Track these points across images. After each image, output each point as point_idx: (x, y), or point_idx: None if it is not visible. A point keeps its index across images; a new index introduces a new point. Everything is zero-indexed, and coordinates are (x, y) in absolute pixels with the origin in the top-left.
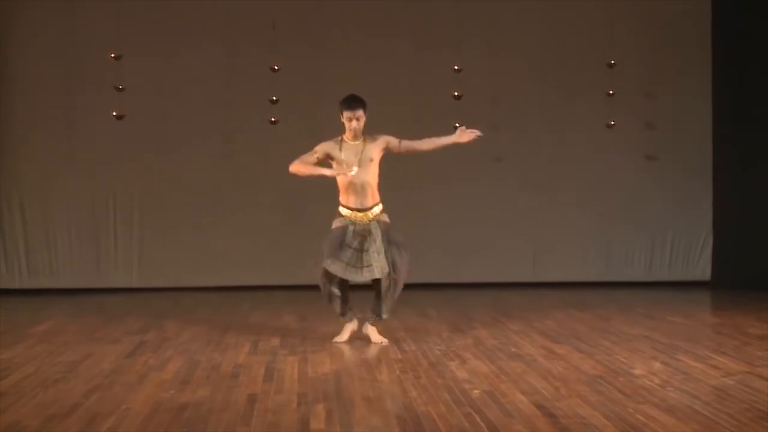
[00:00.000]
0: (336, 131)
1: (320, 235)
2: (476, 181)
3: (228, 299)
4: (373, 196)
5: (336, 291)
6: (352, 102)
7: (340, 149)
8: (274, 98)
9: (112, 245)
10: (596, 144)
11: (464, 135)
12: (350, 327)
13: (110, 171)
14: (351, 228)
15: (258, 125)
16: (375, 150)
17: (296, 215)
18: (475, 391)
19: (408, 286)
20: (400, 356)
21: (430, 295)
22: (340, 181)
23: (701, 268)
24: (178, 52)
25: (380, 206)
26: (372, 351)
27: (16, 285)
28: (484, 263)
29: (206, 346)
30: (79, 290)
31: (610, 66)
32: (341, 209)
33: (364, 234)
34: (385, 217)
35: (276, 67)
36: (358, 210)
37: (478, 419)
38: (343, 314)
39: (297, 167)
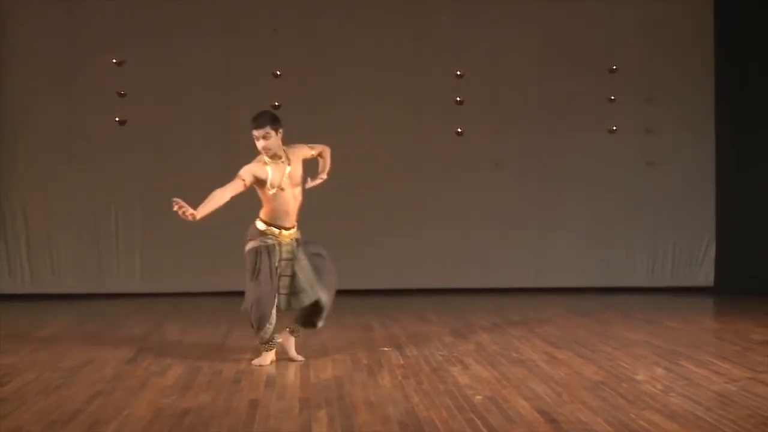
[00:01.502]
0: (334, 136)
1: (321, 239)
2: (477, 186)
3: (229, 304)
4: (298, 212)
5: (273, 321)
6: (257, 119)
7: (268, 170)
8: (276, 104)
9: (113, 250)
10: (597, 149)
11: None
12: (271, 356)
13: (112, 176)
14: (276, 248)
15: None
16: (299, 164)
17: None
18: (477, 397)
19: (409, 292)
20: (402, 362)
21: (431, 300)
22: (272, 202)
23: (704, 274)
24: (179, 57)
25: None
26: (373, 356)
27: (18, 290)
28: (485, 269)
29: (208, 351)
30: (81, 295)
31: (612, 71)
32: (263, 227)
33: (288, 258)
34: (299, 234)
35: (278, 73)
36: (285, 228)
37: (480, 425)
38: (269, 342)
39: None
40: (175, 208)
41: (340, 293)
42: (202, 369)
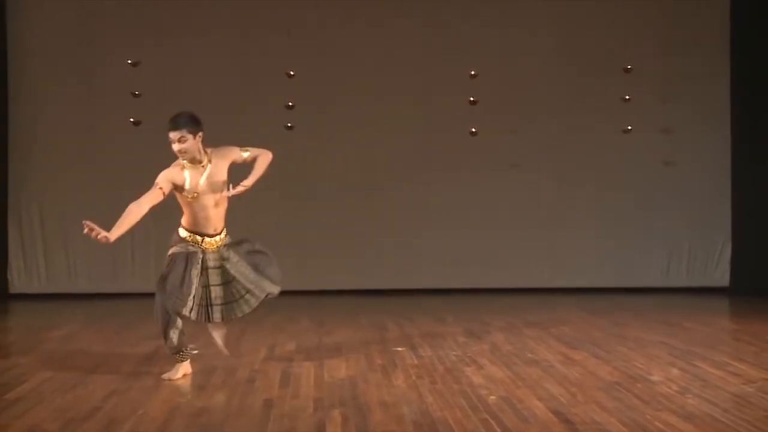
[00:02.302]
0: (348, 136)
1: (334, 239)
2: (491, 186)
3: None
4: (223, 218)
5: (179, 325)
6: (174, 120)
7: (185, 175)
8: (290, 104)
9: (128, 250)
10: (612, 149)
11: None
12: (184, 368)
13: (127, 176)
14: (200, 256)
15: (273, 131)
16: (223, 168)
17: (311, 220)
18: (492, 397)
19: (423, 292)
20: (416, 362)
21: (446, 300)
22: (191, 209)
23: (719, 274)
24: (193, 58)
25: (224, 229)
26: (388, 357)
27: (34, 289)
28: (500, 269)
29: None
30: (97, 295)
31: (627, 71)
32: (185, 234)
33: (216, 266)
34: (228, 239)
35: (291, 73)
36: (209, 235)
37: (495, 425)
38: (177, 353)
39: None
40: (86, 231)
41: (355, 293)
42: (216, 368)
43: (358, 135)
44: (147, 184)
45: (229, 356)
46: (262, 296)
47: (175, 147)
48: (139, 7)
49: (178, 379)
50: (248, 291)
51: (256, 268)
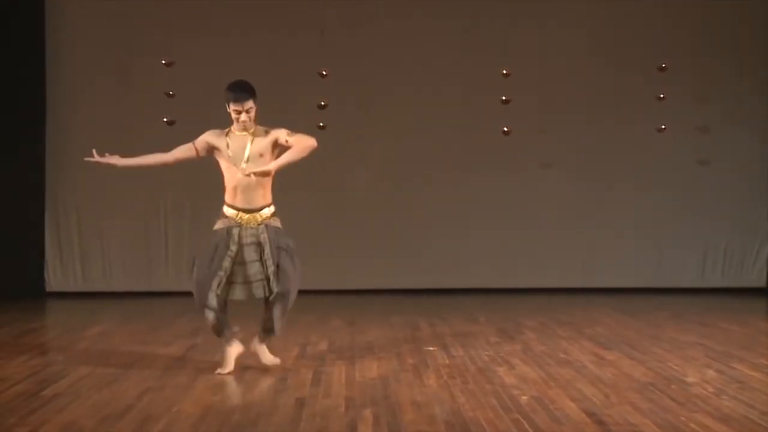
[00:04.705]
0: (379, 135)
1: (365, 239)
2: (524, 185)
3: None
4: (264, 195)
5: (213, 305)
6: (240, 92)
7: (227, 140)
8: (323, 103)
9: (163, 249)
10: (647, 149)
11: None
12: (233, 352)
13: (162, 176)
14: (236, 232)
15: (306, 130)
16: (266, 145)
17: (342, 220)
18: (524, 397)
19: (456, 291)
20: (447, 361)
21: (479, 300)
22: (227, 177)
23: (756, 275)
24: (227, 58)
25: (272, 208)
26: (419, 356)
27: (71, 288)
28: (533, 268)
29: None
30: (131, 293)
31: (661, 69)
32: (225, 209)
33: (252, 243)
34: (277, 222)
35: (324, 72)
36: (246, 210)
37: (527, 425)
38: (219, 334)
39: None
40: (94, 159)
41: (387, 292)
42: (249, 367)
43: (390, 134)
44: (182, 184)
45: (281, 364)
46: (264, 295)
47: (242, 117)
48: (174, 7)
49: (229, 373)
50: (259, 281)
51: (279, 268)
